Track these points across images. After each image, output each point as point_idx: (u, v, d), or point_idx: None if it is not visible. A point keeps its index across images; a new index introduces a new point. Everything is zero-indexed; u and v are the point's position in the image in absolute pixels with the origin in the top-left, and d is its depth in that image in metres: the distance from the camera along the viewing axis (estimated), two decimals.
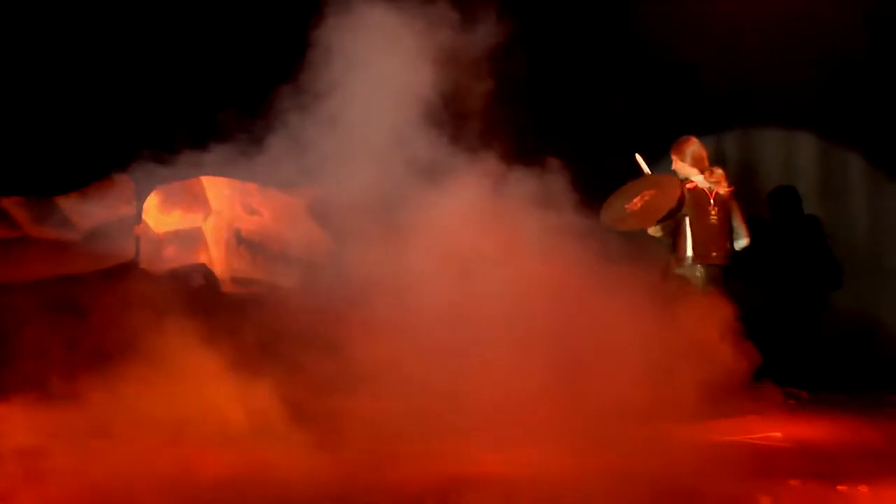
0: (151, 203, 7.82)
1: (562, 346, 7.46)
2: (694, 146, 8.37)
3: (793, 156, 10.20)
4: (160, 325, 7.19)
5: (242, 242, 7.79)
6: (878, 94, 9.97)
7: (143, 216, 7.88)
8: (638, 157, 8.35)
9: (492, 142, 7.87)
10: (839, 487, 6.45)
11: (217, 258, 7.77)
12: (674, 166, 8.49)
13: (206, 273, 7.82)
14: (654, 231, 8.37)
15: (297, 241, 7.91)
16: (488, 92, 7.88)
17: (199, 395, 7.07)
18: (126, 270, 7.73)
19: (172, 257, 7.79)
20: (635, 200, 8.10)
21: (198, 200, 7.73)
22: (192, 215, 7.74)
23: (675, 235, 8.31)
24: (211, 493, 6.07)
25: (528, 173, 7.81)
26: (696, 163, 8.36)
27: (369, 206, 7.73)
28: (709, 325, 7.46)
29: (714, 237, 8.31)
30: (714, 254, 8.29)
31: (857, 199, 10.15)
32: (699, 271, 8.22)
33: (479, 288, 7.51)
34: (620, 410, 7.32)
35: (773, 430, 7.93)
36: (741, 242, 8.49)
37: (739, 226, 8.50)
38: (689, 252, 8.25)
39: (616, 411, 7.30)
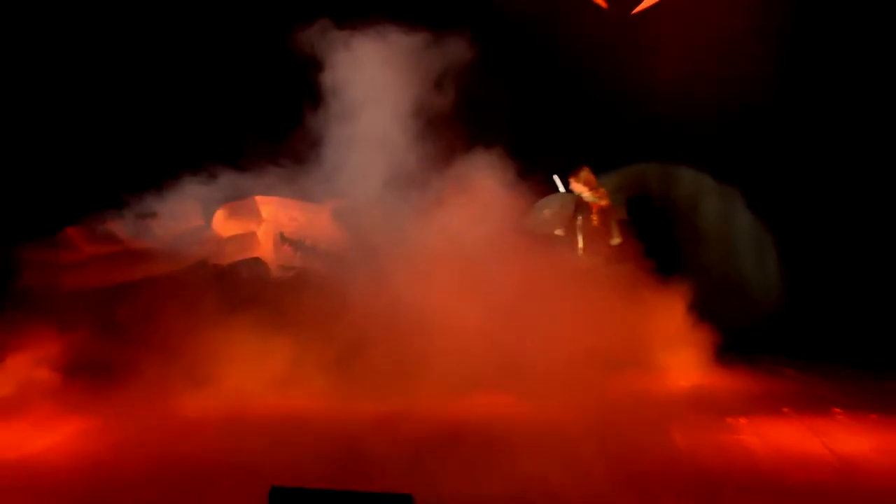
0: (220, 215, 9.52)
1: (524, 317, 8.81)
2: (585, 173, 10.04)
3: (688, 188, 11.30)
4: (229, 303, 8.89)
5: (285, 241, 9.48)
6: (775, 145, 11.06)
7: (213, 225, 9.52)
8: (555, 177, 10.05)
9: (454, 162, 9.36)
10: (727, 419, 8.01)
11: (267, 253, 9.47)
12: (572, 186, 10.09)
13: (260, 263, 9.53)
14: (558, 231, 10.05)
15: (323, 239, 9.53)
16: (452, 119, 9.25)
17: (255, 354, 8.66)
18: (201, 266, 9.38)
19: (234, 254, 9.45)
20: (546, 211, 9.83)
21: (253, 213, 9.43)
22: (248, 224, 9.41)
23: (571, 234, 10.02)
24: (267, 429, 7.60)
25: (488, 190, 9.28)
26: (587, 184, 10.04)
27: (373, 211, 9.35)
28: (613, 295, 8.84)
29: (596, 236, 10.03)
30: (597, 248, 9.96)
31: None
32: (587, 258, 9.86)
33: (461, 274, 8.88)
34: (575, 365, 8.51)
35: (692, 380, 9.24)
36: (615, 241, 10.10)
37: (614, 229, 10.12)
38: (581, 245, 9.94)
39: (571, 366, 8.50)
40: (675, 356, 9.44)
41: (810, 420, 8.04)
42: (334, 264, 9.40)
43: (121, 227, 9.41)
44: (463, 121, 9.39)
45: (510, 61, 10.83)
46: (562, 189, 10.04)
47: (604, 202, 10.12)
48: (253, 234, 9.46)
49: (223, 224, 9.49)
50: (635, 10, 11.10)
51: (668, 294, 9.50)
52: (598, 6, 11.19)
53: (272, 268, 9.48)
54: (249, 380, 8.67)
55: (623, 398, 8.56)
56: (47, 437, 7.34)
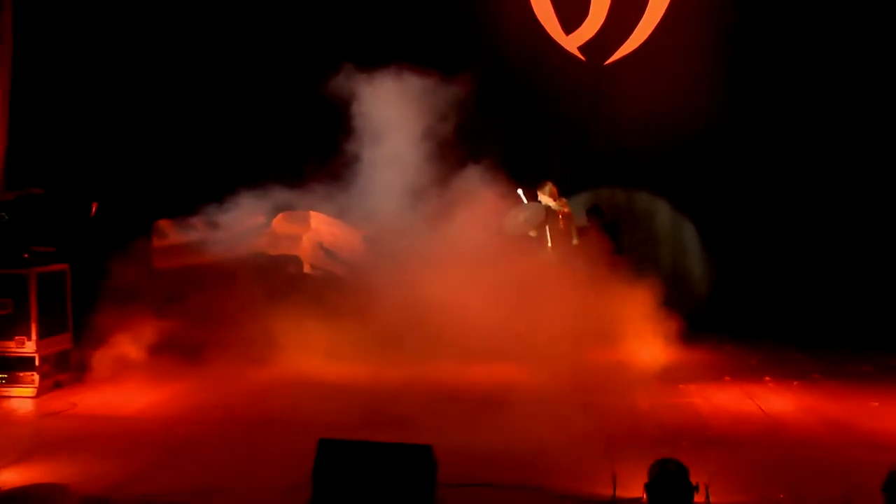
0: (279, 218, 9.74)
1: (517, 303, 8.84)
2: (549, 186, 10.04)
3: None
4: (278, 288, 9.15)
5: (322, 248, 9.65)
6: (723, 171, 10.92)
7: (273, 224, 9.73)
8: (519, 190, 9.98)
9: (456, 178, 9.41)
10: (680, 386, 8.06)
11: (305, 254, 9.65)
12: (539, 197, 10.08)
13: (299, 260, 9.73)
14: (532, 233, 10.06)
15: (351, 253, 9.73)
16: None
17: (305, 334, 8.76)
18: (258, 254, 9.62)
19: (284, 248, 9.66)
20: (521, 217, 9.84)
21: (304, 222, 9.63)
22: (299, 229, 9.61)
23: (542, 235, 10.03)
24: (314, 393, 7.63)
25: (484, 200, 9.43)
26: (551, 195, 10.04)
27: (389, 231, 9.49)
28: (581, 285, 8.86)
29: (560, 237, 10.07)
30: (562, 246, 9.98)
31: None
32: (553, 255, 9.90)
33: (461, 271, 8.91)
34: (560, 341, 8.45)
35: (653, 354, 9.11)
36: (574, 241, 10.14)
37: (573, 231, 10.17)
38: (549, 244, 9.96)
39: (556, 342, 8.45)
40: (640, 334, 9.32)
41: (746, 386, 8.09)
42: (354, 271, 9.62)
43: (200, 221, 9.61)
44: (463, 145, 9.48)
45: (503, 99, 10.87)
46: (524, 200, 10.05)
47: (565, 210, 10.19)
48: (300, 237, 9.68)
49: (280, 225, 9.72)
50: (608, 61, 11.11)
51: (634, 284, 9.36)
52: (577, 58, 11.20)
53: (305, 266, 9.71)
54: (301, 354, 8.74)
55: (598, 368, 8.55)
56: (142, 400, 7.45)
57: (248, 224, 9.59)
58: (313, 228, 9.66)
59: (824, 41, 10.63)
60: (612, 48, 11.05)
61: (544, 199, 10.12)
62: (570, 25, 11.10)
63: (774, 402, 7.50)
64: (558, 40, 11.14)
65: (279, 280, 9.36)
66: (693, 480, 4.66)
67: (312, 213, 9.70)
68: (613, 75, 11.03)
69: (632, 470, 5.07)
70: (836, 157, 10.71)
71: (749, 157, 10.94)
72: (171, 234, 9.58)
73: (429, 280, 8.83)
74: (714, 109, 10.68)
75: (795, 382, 8.21)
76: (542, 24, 11.15)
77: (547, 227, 10.05)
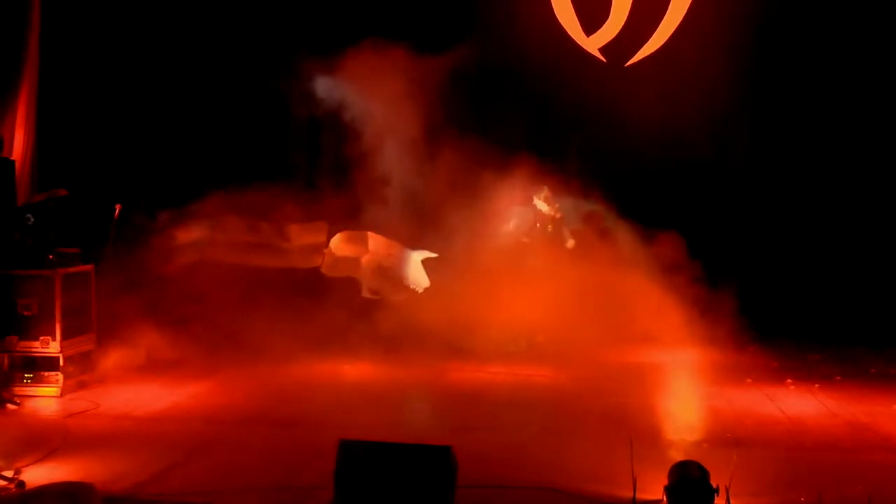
0: (337, 238, 9.71)
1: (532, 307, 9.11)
2: (545, 192, 10.09)
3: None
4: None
5: (381, 271, 9.64)
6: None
7: (330, 244, 9.70)
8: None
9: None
10: (701, 387, 8.19)
11: (363, 277, 9.65)
12: (535, 201, 10.14)
13: (356, 283, 9.70)
14: (525, 238, 10.15)
15: (409, 278, 9.64)
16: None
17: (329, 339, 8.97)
18: (313, 271, 9.68)
19: (340, 270, 9.62)
20: (514, 222, 10.07)
21: (363, 243, 9.63)
22: (357, 251, 9.61)
23: (534, 240, 10.16)
24: (336, 393, 7.77)
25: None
26: (546, 201, 10.10)
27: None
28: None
29: (553, 241, 10.14)
30: (553, 250, 10.03)
31: None
32: (545, 258, 9.89)
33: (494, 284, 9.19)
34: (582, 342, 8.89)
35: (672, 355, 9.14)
36: (569, 244, 10.17)
37: (567, 233, 10.22)
38: (541, 248, 10.05)
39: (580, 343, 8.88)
40: (661, 336, 9.38)
41: (767, 388, 8.05)
42: (408, 298, 9.63)
43: (267, 226, 9.59)
44: (485, 151, 9.56)
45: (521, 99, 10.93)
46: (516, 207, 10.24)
47: (558, 215, 10.23)
48: (358, 260, 9.66)
49: (339, 245, 9.67)
50: (629, 62, 11.08)
51: (649, 287, 9.43)
52: (598, 60, 11.18)
53: (364, 289, 9.68)
54: (324, 356, 8.86)
55: (618, 369, 8.60)
56: (164, 401, 7.51)
57: (308, 240, 9.62)
58: (372, 251, 9.62)
59: (847, 40, 10.56)
60: (634, 49, 11.03)
61: (539, 204, 10.16)
62: (590, 27, 11.09)
63: (796, 404, 7.47)
64: (579, 42, 11.12)
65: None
66: (714, 483, 4.66)
67: (370, 235, 9.67)
68: (633, 77, 11.01)
69: (652, 472, 5.05)
70: (860, 157, 10.65)
71: (770, 157, 10.90)
72: (237, 231, 9.50)
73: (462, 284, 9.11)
74: (735, 110, 10.70)
75: (817, 385, 8.17)
76: (563, 25, 11.12)
77: (538, 232, 10.14)
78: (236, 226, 9.43)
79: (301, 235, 9.56)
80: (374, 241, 9.65)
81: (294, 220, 9.68)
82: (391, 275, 9.60)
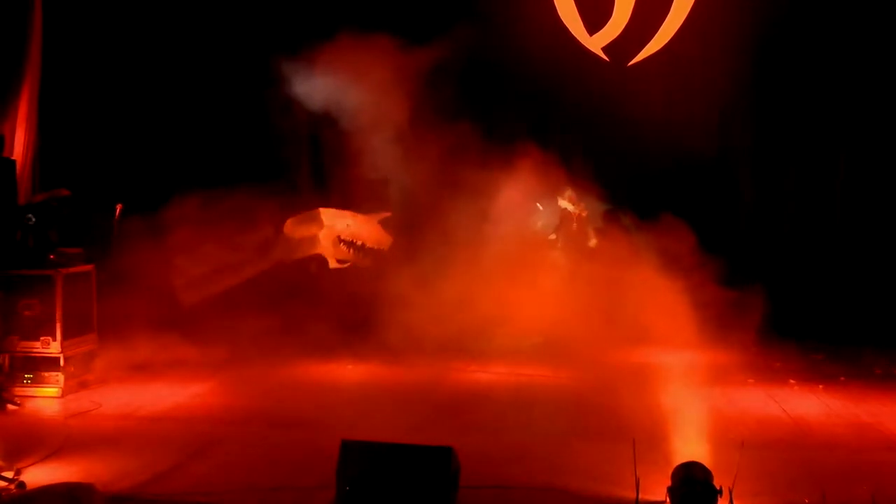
0: (289, 223, 9.74)
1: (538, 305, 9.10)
2: (569, 191, 10.24)
3: None
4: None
5: (342, 242, 9.73)
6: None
7: (284, 230, 9.71)
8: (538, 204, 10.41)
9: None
10: (704, 388, 8.12)
11: (327, 251, 9.72)
12: (559, 202, 10.30)
13: (321, 259, 9.81)
14: (551, 236, 10.37)
15: (371, 240, 9.83)
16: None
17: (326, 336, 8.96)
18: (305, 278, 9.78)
19: (303, 251, 9.71)
20: (540, 221, 10.24)
21: (315, 220, 9.69)
22: (312, 229, 9.68)
23: (559, 238, 10.37)
24: (338, 392, 7.82)
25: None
26: (570, 200, 10.25)
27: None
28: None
29: (577, 239, 10.31)
30: (578, 248, 10.21)
31: None
32: (571, 256, 10.14)
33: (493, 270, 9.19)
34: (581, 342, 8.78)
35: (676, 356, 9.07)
36: (592, 242, 10.33)
37: (589, 234, 10.37)
38: (565, 246, 10.27)
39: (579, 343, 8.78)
40: (664, 336, 9.19)
41: (770, 388, 8.04)
42: (377, 258, 9.83)
43: (214, 248, 9.49)
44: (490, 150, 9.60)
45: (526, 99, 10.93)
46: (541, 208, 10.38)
47: (584, 214, 10.36)
48: (316, 237, 9.72)
49: (292, 229, 9.74)
50: (632, 62, 11.07)
51: (660, 285, 9.32)
52: (601, 59, 11.16)
53: (330, 262, 9.75)
54: (325, 356, 8.88)
55: (622, 369, 8.57)
56: (166, 401, 7.51)
57: (259, 237, 9.65)
58: (326, 224, 9.71)
59: (853, 40, 10.54)
60: (637, 49, 10.99)
61: (564, 203, 10.30)
62: (593, 26, 11.06)
63: (799, 404, 7.46)
64: (582, 41, 11.10)
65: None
66: (717, 484, 4.65)
67: (321, 210, 9.76)
68: (637, 76, 10.97)
69: (655, 473, 5.06)
70: (864, 155, 10.65)
71: (773, 156, 10.88)
72: (189, 268, 9.46)
73: (455, 278, 9.02)
74: (739, 109, 10.71)
75: (821, 385, 8.16)
76: (566, 24, 11.11)
77: (563, 230, 10.29)
78: (213, 254, 9.45)
79: (249, 239, 9.61)
80: (327, 215, 9.80)
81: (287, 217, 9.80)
82: (352, 242, 9.79)
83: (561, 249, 10.25)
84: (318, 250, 9.73)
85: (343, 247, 9.75)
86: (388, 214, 9.90)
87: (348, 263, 9.79)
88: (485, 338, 9.07)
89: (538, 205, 10.25)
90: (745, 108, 10.83)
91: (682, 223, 9.72)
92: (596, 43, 11.11)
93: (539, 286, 9.26)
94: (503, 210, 9.83)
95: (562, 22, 11.13)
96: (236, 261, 9.45)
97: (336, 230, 9.74)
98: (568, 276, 9.49)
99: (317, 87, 9.66)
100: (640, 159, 10.53)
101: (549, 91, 10.89)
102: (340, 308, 9.33)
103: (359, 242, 9.82)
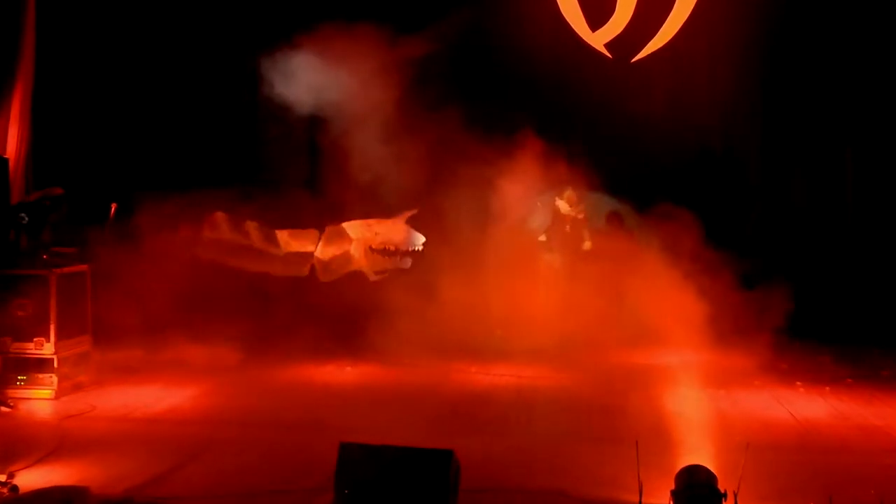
0: (320, 245, 9.80)
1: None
2: (568, 192, 10.23)
3: None
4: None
5: (374, 252, 9.66)
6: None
7: (316, 252, 9.76)
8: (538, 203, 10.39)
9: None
10: (708, 390, 8.02)
11: (362, 264, 9.65)
12: (557, 202, 10.31)
13: (359, 274, 9.76)
14: (542, 237, 10.42)
15: (403, 242, 9.78)
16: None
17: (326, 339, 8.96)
18: (305, 279, 9.74)
19: (337, 270, 9.65)
20: (533, 222, 10.24)
21: (343, 236, 9.64)
22: (342, 245, 9.61)
23: (551, 240, 10.38)
24: (336, 394, 7.82)
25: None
26: (568, 201, 10.23)
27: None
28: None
29: (570, 241, 10.33)
30: (571, 250, 10.22)
31: None
32: (563, 258, 10.18)
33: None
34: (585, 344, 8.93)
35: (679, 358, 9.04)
36: (586, 245, 10.33)
37: (585, 234, 10.37)
38: (557, 248, 10.29)
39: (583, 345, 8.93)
40: (668, 337, 9.22)
41: (776, 390, 8.03)
42: (413, 259, 9.83)
43: (255, 228, 9.56)
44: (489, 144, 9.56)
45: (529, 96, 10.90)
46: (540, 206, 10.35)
47: (580, 216, 10.28)
48: (347, 253, 9.68)
49: (323, 250, 9.68)
50: (635, 58, 11.06)
51: (664, 285, 9.32)
52: (603, 55, 11.15)
53: (369, 276, 9.69)
54: (324, 357, 8.91)
55: (626, 371, 8.61)
56: (162, 403, 7.50)
57: (302, 247, 9.62)
58: (354, 238, 9.62)
59: (859, 35, 10.58)
60: (639, 45, 11.01)
61: (562, 204, 10.25)
62: (596, 22, 11.07)
63: (806, 407, 7.46)
64: (584, 37, 11.10)
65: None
66: (722, 488, 4.64)
67: (345, 224, 9.71)
68: (640, 73, 11.03)
69: (658, 476, 5.03)
70: (867, 154, 10.69)
71: (779, 152, 10.92)
72: (225, 230, 9.47)
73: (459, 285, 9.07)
74: (742, 105, 10.77)
75: (827, 387, 8.15)
76: (568, 21, 11.11)
77: (555, 232, 10.27)
78: (224, 223, 9.38)
79: (290, 243, 9.54)
80: (353, 228, 9.71)
81: (284, 225, 9.69)
82: (385, 249, 9.62)
83: (553, 251, 10.19)
84: (353, 266, 9.65)
85: (377, 256, 9.66)
86: (414, 212, 9.82)
87: (387, 273, 9.69)
88: (480, 339, 9.11)
89: (538, 203, 10.19)
90: (750, 104, 10.84)
91: (688, 220, 9.68)
92: (598, 39, 11.12)
93: (529, 287, 9.27)
94: (501, 207, 9.83)
95: (564, 18, 11.13)
96: (239, 244, 9.41)
97: (366, 241, 9.67)
98: (562, 276, 9.46)
99: (305, 82, 9.59)
100: (644, 156, 10.53)
101: (551, 88, 10.87)
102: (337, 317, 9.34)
103: (392, 248, 9.73)
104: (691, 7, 10.85)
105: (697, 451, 5.96)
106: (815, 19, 10.65)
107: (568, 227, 10.29)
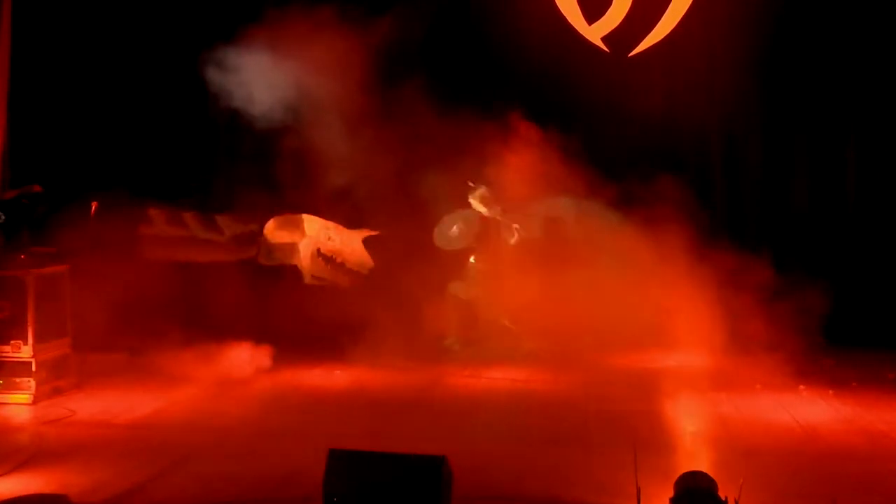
0: (271, 224, 9.56)
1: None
2: (480, 191, 9.84)
3: None
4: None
5: (321, 256, 9.55)
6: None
7: (265, 231, 9.58)
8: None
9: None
10: (709, 394, 8.08)
11: (304, 263, 9.57)
12: (470, 202, 9.91)
13: (297, 271, 9.64)
14: (464, 244, 10.01)
15: (352, 260, 9.58)
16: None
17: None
18: (248, 262, 9.52)
19: (276, 258, 9.56)
20: (453, 228, 9.91)
21: (298, 227, 9.53)
22: (293, 235, 9.50)
23: (478, 245, 10.07)
24: (324, 399, 7.81)
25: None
26: (482, 201, 9.83)
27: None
28: None
29: (496, 244, 10.01)
30: (496, 252, 9.95)
31: None
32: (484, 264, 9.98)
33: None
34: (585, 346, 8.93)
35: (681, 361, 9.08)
36: (513, 240, 10.03)
37: (510, 239, 10.05)
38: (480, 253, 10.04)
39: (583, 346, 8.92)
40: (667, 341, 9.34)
41: (779, 395, 8.03)
42: (357, 281, 9.58)
43: (193, 218, 9.47)
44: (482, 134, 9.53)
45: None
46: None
47: (499, 217, 10.00)
48: (295, 246, 9.55)
49: (273, 232, 9.56)
50: (632, 53, 11.07)
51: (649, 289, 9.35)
52: (601, 49, 11.15)
53: (305, 277, 9.56)
54: (312, 361, 8.93)
55: (624, 375, 8.61)
56: (144, 408, 7.48)
57: (243, 228, 9.52)
58: (308, 234, 9.55)
59: (860, 34, 10.56)
60: (637, 39, 10.95)
61: (476, 205, 9.96)
62: (592, 15, 11.05)
63: (809, 412, 7.47)
64: (581, 31, 11.09)
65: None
66: (722, 494, 4.64)
67: (306, 217, 9.57)
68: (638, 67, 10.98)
69: (657, 483, 5.05)
70: (870, 152, 10.68)
71: (778, 149, 10.90)
72: (161, 224, 9.40)
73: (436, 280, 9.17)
74: (741, 101, 10.74)
75: (831, 391, 8.16)
76: (564, 14, 11.11)
77: (480, 236, 9.98)
78: (159, 218, 9.31)
79: (231, 226, 9.45)
80: (311, 223, 9.55)
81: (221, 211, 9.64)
82: (332, 258, 9.56)
83: (475, 253, 10.01)
84: (295, 261, 9.53)
85: (321, 262, 9.56)
86: (375, 233, 9.62)
87: (325, 282, 9.57)
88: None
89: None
90: (749, 99, 10.80)
91: (680, 213, 9.62)
92: (595, 33, 11.11)
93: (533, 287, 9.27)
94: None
95: (559, 11, 11.12)
96: (209, 239, 9.36)
97: (317, 242, 9.54)
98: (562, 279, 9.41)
99: (269, 75, 9.41)
100: (638, 151, 10.45)
101: (546, 81, 10.79)
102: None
103: (339, 260, 9.58)
104: (690, 1, 10.83)
105: (697, 457, 6.00)
106: (815, 11, 10.64)
107: (492, 229, 9.97)
